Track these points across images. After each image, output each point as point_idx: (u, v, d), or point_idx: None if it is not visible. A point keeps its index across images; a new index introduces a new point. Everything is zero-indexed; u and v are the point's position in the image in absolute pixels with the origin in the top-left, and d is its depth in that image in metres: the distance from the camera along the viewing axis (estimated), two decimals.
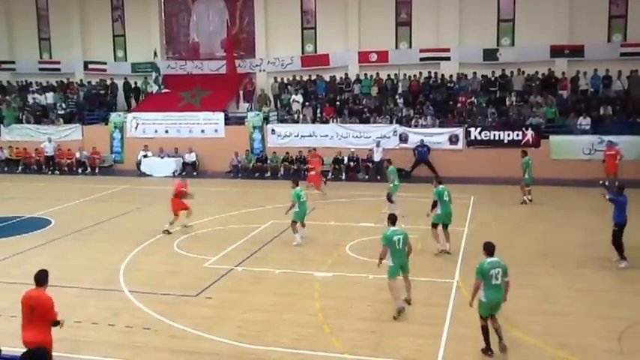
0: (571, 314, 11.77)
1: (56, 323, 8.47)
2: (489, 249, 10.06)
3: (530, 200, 21.87)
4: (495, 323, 9.98)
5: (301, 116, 30.67)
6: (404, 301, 11.98)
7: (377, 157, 27.75)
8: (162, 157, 30.61)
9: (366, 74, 31.96)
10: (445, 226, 15.80)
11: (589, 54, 29.24)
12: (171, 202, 18.60)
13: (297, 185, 17.27)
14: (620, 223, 14.58)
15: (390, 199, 20.04)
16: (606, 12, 29.42)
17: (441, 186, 15.75)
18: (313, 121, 30.51)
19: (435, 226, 15.72)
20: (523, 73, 29.86)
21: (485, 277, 9.80)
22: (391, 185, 20.17)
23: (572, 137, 26.86)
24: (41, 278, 8.59)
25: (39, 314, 8.32)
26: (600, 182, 16.00)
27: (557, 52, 29.62)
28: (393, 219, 12.30)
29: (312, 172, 24.04)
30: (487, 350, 10.01)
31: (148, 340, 10.84)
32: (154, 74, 33.86)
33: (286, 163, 29.10)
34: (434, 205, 15.71)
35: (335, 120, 30.00)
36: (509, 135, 27.35)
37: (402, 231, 12.02)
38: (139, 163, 30.76)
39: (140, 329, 11.29)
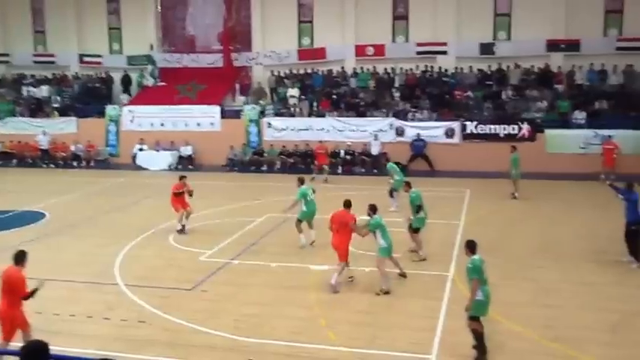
0: (568, 307, 11.83)
1: (29, 296, 9.12)
2: (474, 246, 9.89)
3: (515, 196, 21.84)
4: (482, 327, 9.72)
5: (298, 110, 30.61)
6: (399, 275, 13.21)
7: (375, 151, 27.73)
8: (158, 151, 30.54)
9: (362, 68, 31.89)
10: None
11: (585, 48, 29.18)
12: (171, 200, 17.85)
13: (303, 183, 16.41)
14: (632, 221, 14.09)
15: (391, 194, 19.78)
16: (602, 6, 29.35)
17: (414, 189, 15.38)
18: (310, 115, 30.45)
19: (418, 230, 15.13)
20: (519, 67, 29.85)
21: (480, 274, 9.62)
22: (391, 181, 19.81)
23: (568, 131, 26.87)
24: (18, 257, 9.27)
25: (7, 289, 9.07)
26: (602, 177, 15.56)
27: (553, 46, 29.56)
28: (374, 208, 13.08)
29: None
30: (483, 355, 9.65)
31: (143, 334, 10.83)
32: (149, 67, 33.75)
33: (283, 157, 29.07)
34: (419, 209, 15.00)
35: (332, 114, 29.96)
36: (505, 129, 27.36)
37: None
38: (134, 157, 30.69)
39: (135, 323, 11.28)
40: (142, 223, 18.54)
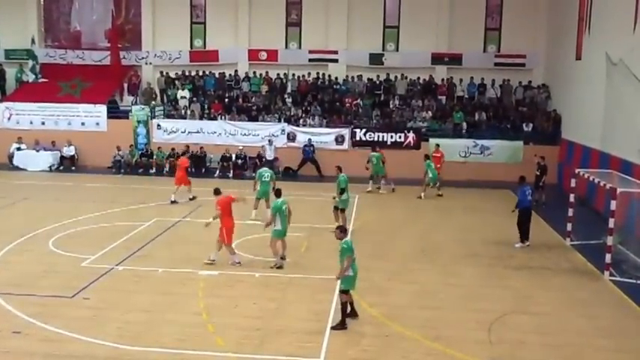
0: (446, 308, 12.42)
1: None
2: (345, 230, 12.07)
3: (440, 195, 23.90)
4: (351, 298, 11.44)
5: (189, 112, 30.13)
6: (281, 258, 14.61)
7: (269, 156, 27.70)
8: (37, 150, 28.98)
9: (255, 72, 31.92)
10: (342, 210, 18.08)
11: (466, 62, 30.94)
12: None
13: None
14: (524, 207, 17.00)
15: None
16: (482, 24, 31.22)
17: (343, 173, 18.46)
18: (201, 118, 30.08)
19: (343, 210, 17.96)
20: (406, 77, 31.04)
21: (352, 253, 11.20)
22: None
23: (450, 140, 28.18)
24: None
25: None
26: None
27: (437, 59, 31.06)
28: (279, 192, 15.22)
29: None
30: (343, 324, 11.12)
31: (19, 345, 10.27)
32: (30, 62, 32.03)
33: (172, 159, 28.42)
34: (343, 191, 18.03)
35: (223, 117, 29.76)
36: (392, 137, 28.35)
37: (285, 200, 14.73)
38: (11, 156, 28.97)
39: (9, 333, 10.68)
40: (19, 227, 17.52)
